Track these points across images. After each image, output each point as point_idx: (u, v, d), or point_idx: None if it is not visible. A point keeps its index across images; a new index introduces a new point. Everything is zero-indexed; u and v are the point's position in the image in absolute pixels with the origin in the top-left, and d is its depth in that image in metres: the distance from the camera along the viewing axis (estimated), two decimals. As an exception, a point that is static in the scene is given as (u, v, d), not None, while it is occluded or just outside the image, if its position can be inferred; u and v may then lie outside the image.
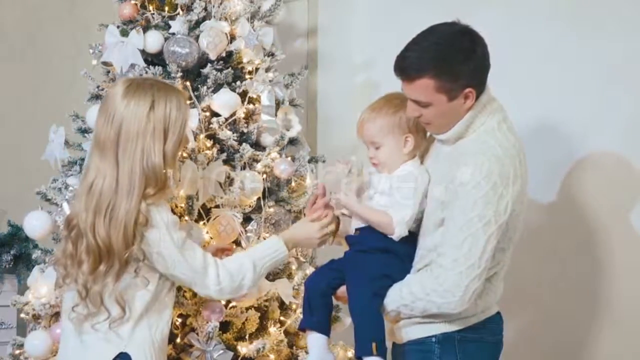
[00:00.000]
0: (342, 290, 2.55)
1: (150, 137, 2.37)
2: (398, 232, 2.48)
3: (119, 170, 2.36)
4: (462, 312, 2.39)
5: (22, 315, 2.96)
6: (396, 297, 2.44)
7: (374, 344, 2.38)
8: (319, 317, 2.55)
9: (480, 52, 2.39)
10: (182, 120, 2.42)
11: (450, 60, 2.36)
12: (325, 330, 2.55)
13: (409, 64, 2.38)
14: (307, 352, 2.96)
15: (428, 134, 2.57)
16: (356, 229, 2.61)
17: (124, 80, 2.47)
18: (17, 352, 2.97)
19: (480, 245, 2.32)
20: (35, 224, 2.88)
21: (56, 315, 2.89)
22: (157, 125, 2.38)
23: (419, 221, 2.51)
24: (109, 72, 3.09)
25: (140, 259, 2.37)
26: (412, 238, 2.52)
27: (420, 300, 2.39)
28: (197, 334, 2.81)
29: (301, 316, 2.96)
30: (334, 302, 2.62)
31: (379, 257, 2.50)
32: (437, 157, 2.54)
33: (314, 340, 2.55)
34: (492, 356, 2.52)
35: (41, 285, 2.90)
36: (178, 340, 2.82)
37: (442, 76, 2.35)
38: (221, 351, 2.79)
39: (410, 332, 2.50)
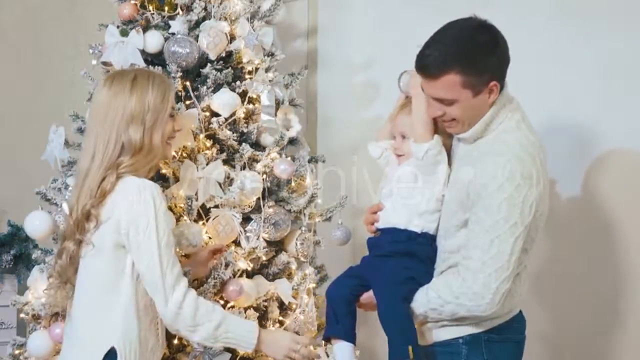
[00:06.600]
0: (365, 297, 2.54)
1: (130, 113, 2.42)
2: (430, 144, 2.44)
3: (98, 141, 2.41)
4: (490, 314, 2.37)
5: (22, 315, 2.96)
6: (423, 300, 2.42)
7: (410, 347, 2.37)
8: (344, 325, 2.54)
9: (501, 44, 2.39)
10: (162, 97, 2.47)
11: (474, 54, 2.34)
12: (352, 338, 2.54)
13: (432, 61, 2.34)
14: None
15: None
16: (378, 229, 2.59)
17: (106, 75, 2.59)
18: (17, 352, 2.97)
19: (508, 247, 2.31)
20: (37, 224, 2.87)
21: (56, 316, 2.89)
22: (138, 103, 2.43)
23: (438, 223, 2.50)
24: (108, 72, 3.07)
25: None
26: (432, 240, 2.51)
27: (449, 304, 2.37)
28: None
29: (300, 316, 2.97)
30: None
31: (400, 261, 2.48)
32: (453, 157, 2.53)
33: (340, 349, 2.54)
34: (516, 355, 2.52)
35: (41, 285, 2.89)
36: (175, 341, 2.81)
37: (468, 71, 2.32)
38: (219, 351, 2.77)
39: (438, 333, 2.48)
